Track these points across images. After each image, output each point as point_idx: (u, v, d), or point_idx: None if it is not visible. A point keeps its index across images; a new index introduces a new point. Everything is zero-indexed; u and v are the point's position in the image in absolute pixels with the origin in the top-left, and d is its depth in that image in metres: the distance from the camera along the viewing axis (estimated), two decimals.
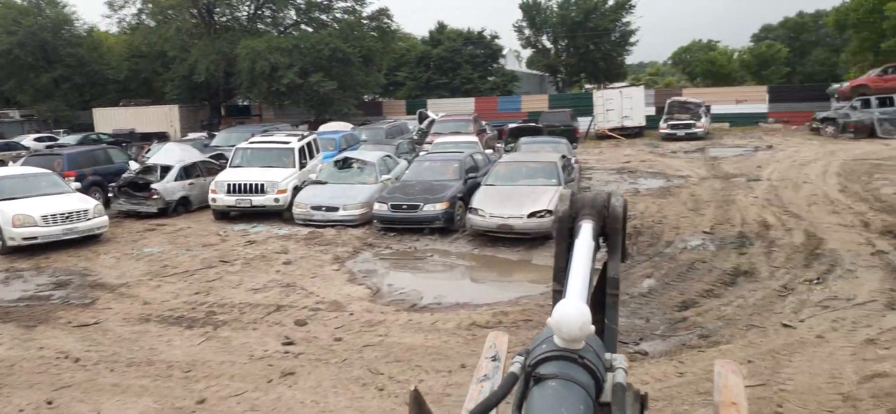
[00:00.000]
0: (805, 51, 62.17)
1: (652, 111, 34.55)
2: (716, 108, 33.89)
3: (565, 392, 1.84)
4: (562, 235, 2.97)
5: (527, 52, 58.66)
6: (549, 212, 11.58)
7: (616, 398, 1.97)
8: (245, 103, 45.76)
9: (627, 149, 27.45)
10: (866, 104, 27.30)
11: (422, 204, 12.87)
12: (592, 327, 1.98)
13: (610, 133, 32.56)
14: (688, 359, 6.49)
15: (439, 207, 12.80)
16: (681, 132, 29.58)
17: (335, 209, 13.96)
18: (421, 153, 19.66)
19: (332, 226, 13.81)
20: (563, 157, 14.51)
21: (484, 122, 31.14)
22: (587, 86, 54.35)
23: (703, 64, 58.05)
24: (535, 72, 60.61)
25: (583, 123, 33.90)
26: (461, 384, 5.84)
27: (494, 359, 3.28)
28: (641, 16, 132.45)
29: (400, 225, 13.03)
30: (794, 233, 11.26)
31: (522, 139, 18.45)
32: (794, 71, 59.45)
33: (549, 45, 52.81)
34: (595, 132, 33.54)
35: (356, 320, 8.10)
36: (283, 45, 34.67)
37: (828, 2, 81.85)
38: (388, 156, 16.82)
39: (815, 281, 8.64)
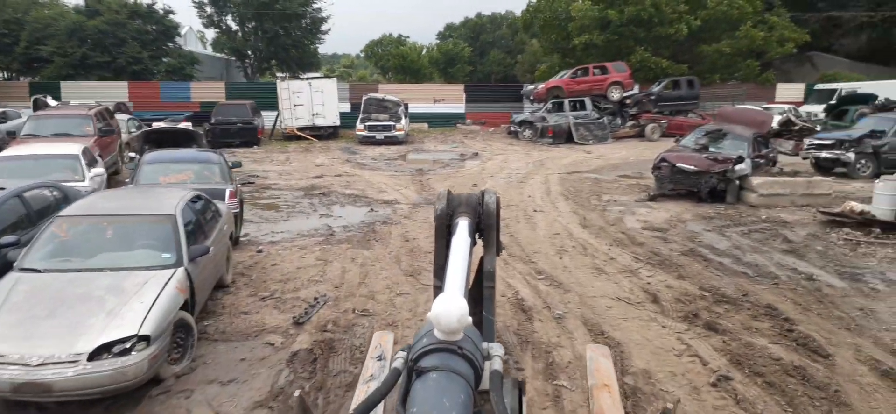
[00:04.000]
0: (484, 51, 65.04)
1: (347, 108, 30.54)
2: (413, 108, 30.95)
3: (446, 382, 1.89)
4: (440, 233, 3.35)
5: (212, 33, 50.84)
6: (145, 339, 5.47)
7: (493, 385, 2.03)
8: None
9: (320, 155, 22.31)
10: (559, 107, 26.48)
11: None
12: (470, 319, 2.08)
13: (300, 133, 27.15)
14: None
15: None
16: (380, 135, 25.59)
17: None
18: None
19: None
20: (198, 197, 8.08)
21: (128, 118, 23.15)
22: (278, 75, 48.95)
23: (394, 59, 56.53)
24: (221, 56, 52.97)
25: (268, 119, 28.08)
26: None
27: (380, 358, 3.52)
28: (332, 3, 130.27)
29: None
30: (569, 326, 7.08)
31: (147, 158, 11.13)
32: (475, 69, 61.73)
33: (234, 26, 46.38)
34: (282, 131, 27.85)
35: None
36: None
37: (502, 5, 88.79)
38: None
39: None
